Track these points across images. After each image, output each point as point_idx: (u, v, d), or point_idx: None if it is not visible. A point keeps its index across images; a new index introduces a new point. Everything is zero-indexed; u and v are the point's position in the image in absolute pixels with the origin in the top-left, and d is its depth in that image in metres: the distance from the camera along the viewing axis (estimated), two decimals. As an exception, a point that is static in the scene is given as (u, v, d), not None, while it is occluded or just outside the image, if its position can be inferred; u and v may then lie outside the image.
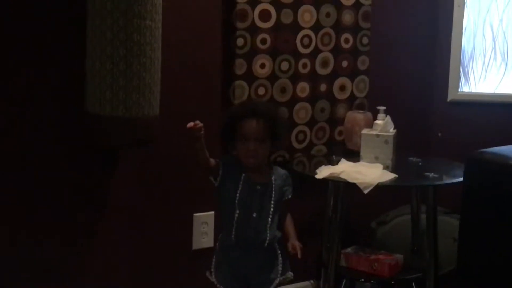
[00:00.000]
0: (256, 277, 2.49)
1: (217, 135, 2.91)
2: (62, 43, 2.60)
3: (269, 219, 2.48)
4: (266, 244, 2.48)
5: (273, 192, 2.50)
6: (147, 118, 2.50)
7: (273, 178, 2.52)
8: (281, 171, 2.57)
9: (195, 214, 2.99)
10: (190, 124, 2.34)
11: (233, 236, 2.46)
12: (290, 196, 2.56)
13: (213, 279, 2.52)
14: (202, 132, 2.37)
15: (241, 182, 2.47)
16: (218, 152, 2.82)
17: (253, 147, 2.44)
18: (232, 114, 2.54)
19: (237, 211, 2.45)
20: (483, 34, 3.54)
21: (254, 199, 2.47)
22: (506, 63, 3.54)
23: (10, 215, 2.60)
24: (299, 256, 2.46)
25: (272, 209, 2.48)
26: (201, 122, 2.37)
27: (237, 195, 2.46)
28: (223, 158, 2.54)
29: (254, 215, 2.46)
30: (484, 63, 3.56)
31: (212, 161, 2.46)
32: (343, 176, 2.70)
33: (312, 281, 3.29)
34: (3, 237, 2.60)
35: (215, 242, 2.97)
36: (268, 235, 2.47)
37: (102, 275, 2.80)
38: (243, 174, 2.47)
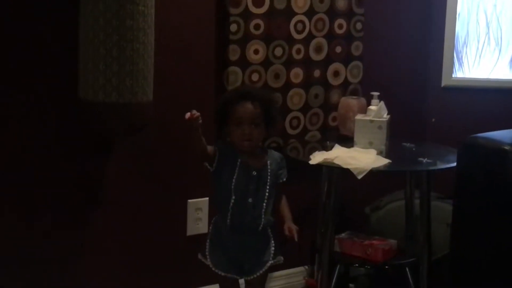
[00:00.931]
0: (249, 260, 2.51)
1: (211, 121, 2.92)
2: (54, 29, 2.59)
3: (264, 204, 2.48)
4: (260, 229, 2.49)
5: (269, 177, 2.50)
6: (140, 104, 2.49)
7: (268, 162, 2.52)
8: (275, 155, 2.57)
9: (189, 200, 2.99)
10: (188, 115, 2.33)
11: (228, 221, 2.47)
12: (285, 179, 2.56)
13: (207, 262, 2.52)
14: (200, 121, 2.35)
15: (237, 168, 2.47)
16: (212, 138, 2.83)
17: (248, 130, 2.44)
18: (226, 98, 2.54)
19: (233, 197, 2.46)
20: (477, 20, 3.54)
21: (250, 184, 2.47)
22: (500, 49, 3.54)
23: (2, 201, 2.60)
24: (296, 238, 2.47)
25: (267, 193, 2.49)
26: (190, 109, 2.35)
27: (233, 181, 2.46)
28: (218, 144, 2.53)
29: (250, 200, 2.47)
30: (478, 48, 3.56)
31: (209, 148, 2.46)
32: (337, 161, 2.70)
33: (306, 267, 3.30)
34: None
35: (209, 228, 2.98)
36: (263, 220, 2.48)
37: (96, 261, 2.81)
38: (239, 160, 2.47)
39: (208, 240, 2.56)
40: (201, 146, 2.42)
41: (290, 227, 2.50)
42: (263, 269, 2.52)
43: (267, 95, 2.56)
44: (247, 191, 2.47)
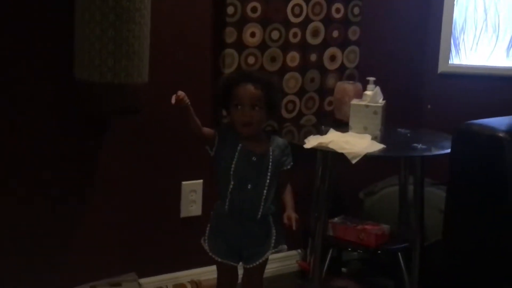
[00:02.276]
0: (248, 248, 2.46)
1: (207, 103, 2.92)
2: (50, 9, 2.58)
3: (265, 191, 2.42)
4: (259, 216, 2.44)
5: (270, 163, 2.43)
6: (135, 85, 2.49)
7: (271, 148, 2.44)
8: (280, 141, 2.49)
9: (184, 182, 2.99)
10: (173, 99, 2.29)
11: (227, 206, 2.42)
12: (289, 167, 2.48)
13: (206, 247, 2.49)
14: (188, 101, 2.32)
15: (237, 153, 2.40)
16: (208, 121, 2.82)
17: (248, 112, 2.37)
18: (227, 79, 2.49)
19: (232, 182, 2.40)
20: (475, 6, 3.53)
21: (249, 170, 2.41)
22: (497, 35, 3.53)
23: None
24: (294, 228, 2.40)
25: (268, 181, 2.42)
26: (186, 90, 2.33)
27: (233, 166, 2.40)
28: (219, 127, 2.50)
29: (249, 186, 2.41)
30: (475, 35, 3.55)
31: (206, 129, 2.41)
32: (331, 146, 2.70)
33: (299, 250, 3.32)
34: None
35: (203, 210, 2.99)
36: (262, 207, 2.43)
37: (91, 243, 2.81)
38: (240, 145, 2.41)
39: (208, 225, 2.52)
40: (195, 124, 2.38)
41: (290, 215, 2.43)
42: (262, 259, 2.47)
43: (269, 78, 2.48)
44: (246, 177, 2.41)
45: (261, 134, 2.47)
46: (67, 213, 2.76)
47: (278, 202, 2.50)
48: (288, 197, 2.50)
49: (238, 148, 2.41)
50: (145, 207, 2.92)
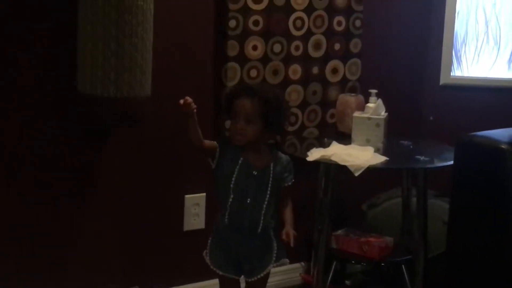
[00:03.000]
0: (248, 262, 2.46)
1: (209, 115, 2.93)
2: (53, 23, 2.59)
3: (264, 206, 2.42)
4: (259, 231, 2.44)
5: (271, 179, 2.43)
6: (138, 98, 2.50)
7: (272, 164, 2.45)
8: (282, 157, 2.49)
9: (187, 196, 2.99)
10: (181, 100, 2.32)
11: (226, 220, 2.43)
12: (290, 183, 2.48)
13: (207, 260, 2.49)
14: (194, 108, 2.33)
15: (238, 166, 2.41)
16: (210, 134, 2.83)
17: (241, 125, 2.38)
18: (229, 92, 2.51)
19: (232, 195, 2.41)
20: (476, 18, 3.54)
21: (249, 184, 2.41)
22: (499, 47, 3.54)
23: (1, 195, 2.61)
24: (292, 244, 2.40)
25: (268, 196, 2.42)
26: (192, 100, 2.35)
27: (233, 179, 2.40)
28: (220, 139, 2.50)
29: (248, 201, 2.41)
30: (476, 47, 3.56)
31: (206, 141, 2.42)
32: (334, 158, 2.70)
33: (302, 263, 3.31)
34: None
35: (206, 223, 2.99)
36: (262, 222, 2.43)
37: (92, 255, 2.81)
38: (241, 158, 2.42)
39: (210, 238, 2.52)
40: (196, 134, 2.38)
41: (288, 231, 2.42)
42: (264, 272, 2.47)
43: (270, 93, 2.46)
44: (246, 191, 2.41)
45: (262, 148, 2.47)
46: (68, 226, 2.76)
47: (279, 217, 2.50)
48: (287, 214, 2.49)
49: (239, 161, 2.41)
50: (148, 220, 2.92)
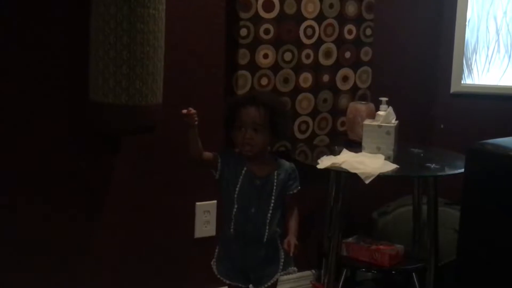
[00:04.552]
0: (255, 271, 2.46)
1: (219, 124, 2.94)
2: (65, 31, 2.62)
3: (269, 215, 2.42)
4: (265, 240, 2.43)
5: (274, 187, 2.43)
6: (150, 106, 2.51)
7: (276, 172, 2.44)
8: (286, 165, 2.48)
9: (198, 203, 3.01)
10: (184, 110, 2.33)
11: (232, 230, 2.43)
12: (295, 191, 2.47)
13: (214, 269, 2.50)
14: (196, 120, 2.34)
15: (241, 176, 2.41)
16: (220, 142, 2.84)
17: (249, 135, 2.38)
18: (232, 102, 2.51)
19: (236, 206, 2.41)
20: (487, 27, 3.54)
21: (253, 194, 2.41)
22: (510, 56, 3.54)
23: (13, 201, 2.62)
24: (291, 254, 2.38)
25: (272, 204, 2.43)
26: (199, 111, 2.35)
27: (236, 189, 2.41)
28: (222, 150, 2.50)
29: (253, 210, 2.41)
30: (487, 55, 3.56)
31: (206, 154, 2.41)
32: (344, 166, 2.71)
33: (313, 271, 3.31)
34: (7, 225, 2.62)
35: (217, 230, 3.00)
36: (267, 231, 2.43)
37: (103, 262, 2.82)
38: (244, 168, 2.42)
39: (217, 247, 2.53)
40: (196, 147, 2.38)
41: (289, 241, 2.39)
42: (271, 281, 2.47)
43: (274, 100, 2.49)
44: (250, 200, 2.41)
45: (266, 157, 2.47)
46: (80, 233, 2.77)
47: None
48: (292, 222, 2.47)
49: (243, 171, 2.41)
50: (159, 227, 2.93)
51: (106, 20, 2.41)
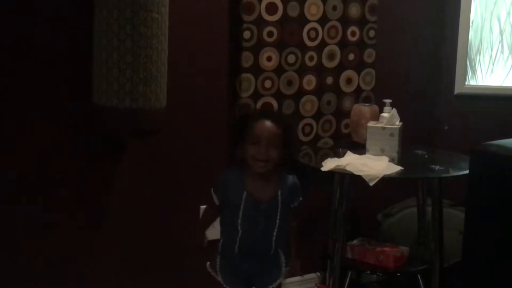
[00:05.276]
0: (260, 277, 2.45)
1: (224, 127, 2.95)
2: (69, 36, 2.62)
3: (275, 233, 2.39)
4: (271, 253, 2.42)
5: (279, 208, 2.38)
6: (153, 109, 2.51)
7: (279, 192, 2.39)
8: (288, 180, 2.42)
9: (202, 206, 3.00)
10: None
11: (236, 248, 2.39)
12: (296, 204, 2.44)
13: (218, 278, 2.46)
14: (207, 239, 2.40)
15: (243, 202, 2.34)
16: (225, 144, 2.84)
17: (265, 150, 2.30)
18: (245, 114, 2.47)
19: (240, 231, 2.36)
20: (490, 27, 3.54)
21: (257, 218, 2.36)
22: (513, 57, 3.53)
23: (13, 201, 2.63)
24: (297, 275, 2.40)
25: (278, 222, 2.38)
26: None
27: (240, 214, 2.35)
28: (218, 180, 2.42)
29: (258, 232, 2.37)
30: (491, 56, 3.56)
31: (210, 214, 2.46)
32: (348, 168, 2.71)
33: (318, 273, 3.31)
34: (9, 227, 2.63)
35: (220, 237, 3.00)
36: (273, 246, 2.41)
37: (106, 264, 2.82)
38: (244, 193, 2.35)
39: (218, 257, 2.48)
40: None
41: (294, 268, 2.44)
42: (274, 285, 2.46)
43: (285, 117, 2.47)
44: (255, 224, 2.36)
45: (272, 174, 2.39)
46: (84, 236, 2.77)
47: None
48: (292, 244, 2.48)
49: (243, 196, 2.35)
50: (163, 230, 2.93)
51: (110, 24, 2.41)
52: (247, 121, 2.37)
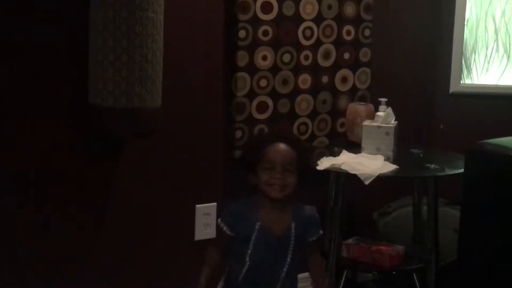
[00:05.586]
0: None
1: (220, 126, 2.95)
2: (64, 35, 2.62)
3: (285, 269, 2.22)
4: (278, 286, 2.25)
5: (292, 242, 2.21)
6: (149, 109, 2.51)
7: (293, 225, 2.21)
8: (305, 212, 2.25)
9: (197, 205, 3.00)
10: None
11: (240, 278, 2.23)
12: (315, 238, 2.25)
13: None
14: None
15: (254, 233, 2.18)
16: (221, 143, 2.84)
17: (281, 175, 2.14)
18: (256, 140, 2.33)
19: (248, 263, 2.20)
20: (486, 26, 3.54)
21: (268, 253, 2.20)
22: (509, 55, 3.54)
23: (13, 207, 2.62)
24: None
25: (289, 259, 2.21)
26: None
27: (250, 247, 2.18)
28: (231, 208, 2.26)
29: (267, 267, 2.21)
30: (486, 55, 3.56)
31: (217, 258, 2.26)
32: (344, 167, 2.71)
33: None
34: (8, 227, 2.62)
35: (217, 233, 2.99)
36: (282, 282, 2.23)
37: (103, 264, 2.82)
38: (257, 223, 2.18)
39: (222, 280, 2.33)
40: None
41: None
42: None
43: (300, 139, 2.34)
44: (264, 259, 2.20)
45: (287, 203, 2.23)
46: (80, 236, 2.77)
47: (309, 273, 2.36)
48: (319, 274, 2.33)
49: (256, 227, 2.19)
50: (159, 229, 2.93)
51: (105, 23, 2.41)
52: (260, 145, 2.22)
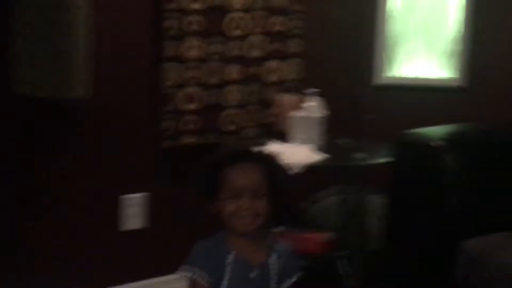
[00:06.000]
0: None
1: (146, 118, 2.92)
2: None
3: None
4: None
5: (271, 278, 1.82)
6: (77, 99, 2.47)
7: (272, 257, 1.83)
8: (283, 245, 1.87)
9: (121, 196, 2.96)
10: None
11: None
12: (296, 279, 1.86)
13: None
14: None
15: (229, 265, 1.78)
16: (147, 137, 2.82)
17: (249, 205, 1.75)
18: (214, 161, 1.82)
19: None
20: (409, 19, 3.60)
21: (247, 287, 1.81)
22: (431, 48, 3.61)
23: None
24: None
25: None
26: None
27: (225, 282, 1.78)
28: (197, 249, 1.80)
29: None
30: (409, 47, 3.62)
31: None
32: (271, 157, 2.71)
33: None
34: None
35: (144, 223, 2.97)
36: None
37: (30, 258, 2.76)
38: (231, 255, 1.78)
39: None
40: None
41: None
42: None
43: (270, 155, 1.86)
44: None
45: (262, 232, 1.83)
46: (8, 230, 2.70)
47: None
48: None
49: (230, 259, 1.78)
50: (84, 221, 2.87)
51: (30, 10, 2.35)
52: (217, 167, 1.79)
